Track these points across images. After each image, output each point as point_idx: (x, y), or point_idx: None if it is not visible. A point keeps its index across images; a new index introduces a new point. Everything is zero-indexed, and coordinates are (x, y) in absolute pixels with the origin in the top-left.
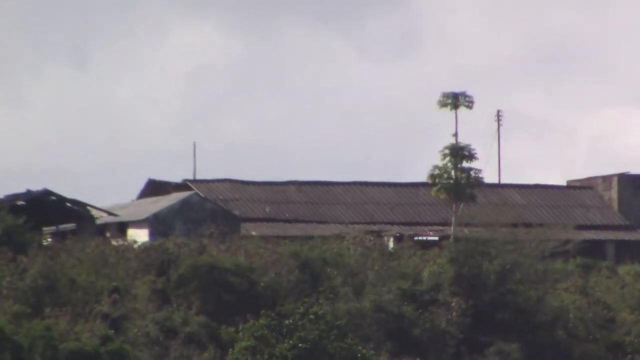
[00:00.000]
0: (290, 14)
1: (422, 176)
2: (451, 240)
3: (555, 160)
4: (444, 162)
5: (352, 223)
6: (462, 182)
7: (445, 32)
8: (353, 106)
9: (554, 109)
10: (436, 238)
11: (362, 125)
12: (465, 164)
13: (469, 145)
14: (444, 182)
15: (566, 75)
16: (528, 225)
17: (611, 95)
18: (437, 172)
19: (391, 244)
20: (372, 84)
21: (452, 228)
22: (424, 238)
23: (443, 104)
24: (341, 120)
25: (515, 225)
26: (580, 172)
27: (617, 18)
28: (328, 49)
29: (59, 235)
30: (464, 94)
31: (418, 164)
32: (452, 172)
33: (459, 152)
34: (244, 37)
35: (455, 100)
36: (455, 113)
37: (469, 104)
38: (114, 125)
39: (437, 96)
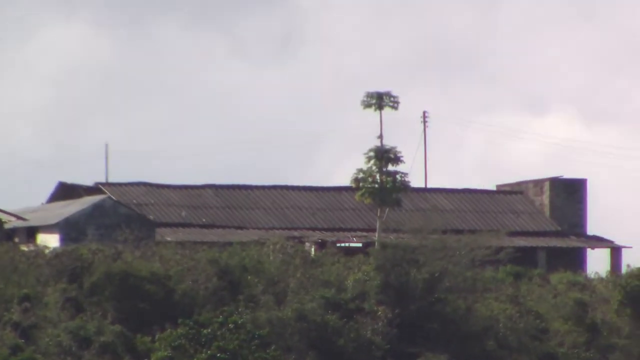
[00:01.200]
0: (164, 11)
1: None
2: (376, 246)
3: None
4: (369, 165)
5: (272, 229)
6: (388, 186)
7: (327, 33)
8: (233, 107)
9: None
10: (360, 244)
11: (243, 127)
12: (390, 167)
13: (394, 147)
14: (369, 186)
15: (455, 78)
16: (457, 231)
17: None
18: (361, 175)
19: (312, 251)
20: (248, 84)
21: (376, 234)
22: (347, 244)
23: (367, 104)
24: (223, 122)
25: (444, 231)
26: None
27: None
28: (202, 48)
29: None
30: (388, 94)
31: (308, 168)
32: (377, 176)
33: (384, 155)
34: (114, 35)
35: (379, 101)
36: (380, 114)
37: (394, 104)
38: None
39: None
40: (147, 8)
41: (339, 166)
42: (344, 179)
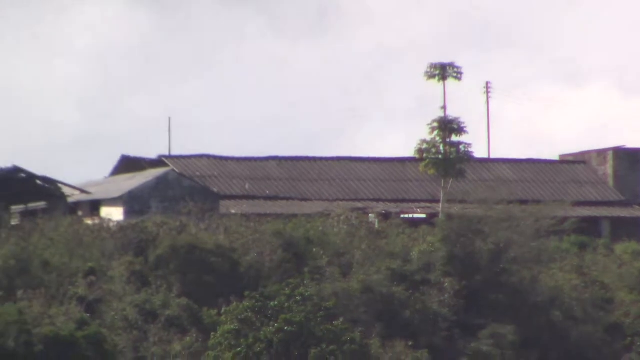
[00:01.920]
0: None
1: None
2: (441, 217)
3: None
4: (432, 136)
5: (336, 200)
6: (452, 156)
7: (366, 9)
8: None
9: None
10: (424, 215)
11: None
12: (454, 138)
13: (458, 118)
14: (433, 157)
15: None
16: (521, 201)
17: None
18: (425, 146)
19: (376, 222)
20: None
21: (440, 205)
22: (411, 215)
23: (430, 75)
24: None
25: (509, 202)
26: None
27: None
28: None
29: (28, 214)
30: (452, 65)
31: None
32: (441, 147)
33: (447, 126)
34: (152, 13)
35: (443, 72)
36: (444, 84)
37: (458, 75)
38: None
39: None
40: None
41: (381, 139)
42: (385, 152)
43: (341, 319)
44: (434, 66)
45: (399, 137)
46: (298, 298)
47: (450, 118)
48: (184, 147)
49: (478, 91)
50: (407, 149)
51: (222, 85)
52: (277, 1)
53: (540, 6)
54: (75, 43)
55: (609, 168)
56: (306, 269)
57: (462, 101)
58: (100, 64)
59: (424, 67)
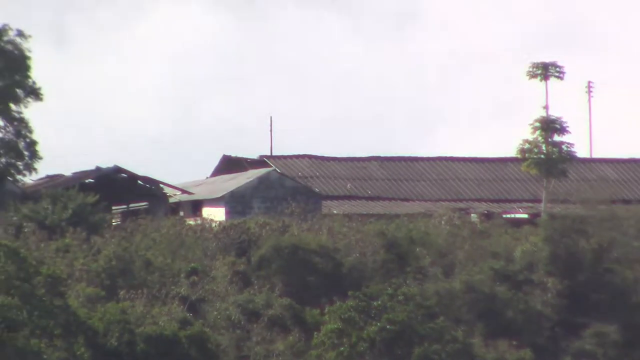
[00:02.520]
0: None
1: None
2: (543, 217)
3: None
4: (534, 135)
5: (438, 200)
6: (554, 156)
7: (445, 12)
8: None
9: None
10: (526, 215)
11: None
12: (556, 138)
13: (560, 118)
14: (535, 156)
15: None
16: (624, 201)
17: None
18: (527, 146)
19: (478, 222)
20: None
21: (542, 205)
22: (513, 215)
23: (532, 75)
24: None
25: (611, 201)
26: None
27: None
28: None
29: (130, 215)
30: (554, 64)
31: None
32: (543, 147)
33: (549, 125)
34: (232, 14)
35: (545, 71)
36: (546, 84)
37: (560, 75)
38: (181, 101)
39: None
40: None
41: (460, 140)
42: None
43: (441, 318)
44: (536, 65)
45: (484, 138)
46: (400, 297)
47: (552, 118)
48: (284, 147)
49: (578, 91)
50: (495, 149)
51: (311, 85)
52: (357, 3)
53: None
54: (166, 45)
55: None
56: (409, 269)
57: (563, 101)
58: (193, 64)
59: (501, 69)
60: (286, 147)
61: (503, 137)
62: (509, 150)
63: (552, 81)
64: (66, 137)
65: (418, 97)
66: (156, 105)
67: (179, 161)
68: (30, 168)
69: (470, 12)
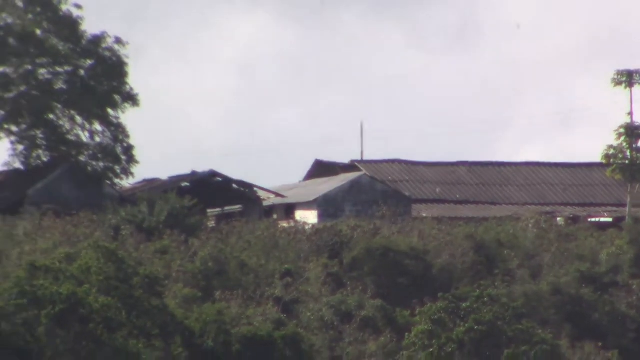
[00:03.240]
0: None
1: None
2: (627, 221)
3: None
4: (619, 141)
5: (525, 204)
6: (638, 162)
7: (504, 21)
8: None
9: None
10: (610, 219)
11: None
12: None
13: None
14: (619, 162)
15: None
16: None
17: None
18: (612, 152)
19: (564, 226)
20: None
21: (627, 209)
22: (598, 219)
23: (617, 82)
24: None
25: None
26: None
27: None
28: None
29: (225, 217)
30: (639, 72)
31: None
32: (628, 152)
33: (634, 132)
34: (296, 25)
35: (629, 78)
36: (630, 91)
37: None
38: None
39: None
40: None
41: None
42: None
43: (524, 320)
44: (620, 73)
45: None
46: (486, 299)
47: (637, 124)
48: (375, 153)
49: None
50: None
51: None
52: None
53: None
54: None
55: None
56: (497, 271)
57: None
58: (270, 72)
59: (575, 75)
60: (376, 152)
61: (588, 143)
62: (595, 156)
63: (637, 88)
64: (159, 143)
65: (495, 104)
66: (239, 113)
67: (272, 167)
68: (127, 172)
69: (537, 17)
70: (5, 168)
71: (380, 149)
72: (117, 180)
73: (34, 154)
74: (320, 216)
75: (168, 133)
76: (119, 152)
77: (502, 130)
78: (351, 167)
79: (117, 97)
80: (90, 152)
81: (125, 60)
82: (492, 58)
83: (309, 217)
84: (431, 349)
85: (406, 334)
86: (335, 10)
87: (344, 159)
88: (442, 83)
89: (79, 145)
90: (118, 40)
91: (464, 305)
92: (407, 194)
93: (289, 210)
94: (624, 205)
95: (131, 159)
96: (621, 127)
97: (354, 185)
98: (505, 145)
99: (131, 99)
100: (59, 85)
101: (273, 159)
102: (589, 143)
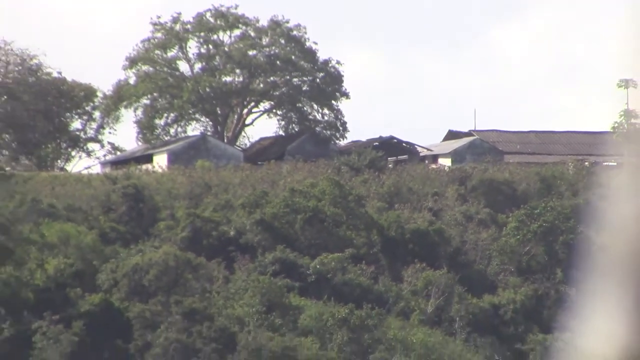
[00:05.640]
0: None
1: None
2: (625, 163)
3: None
4: (621, 119)
5: (567, 155)
6: (631, 132)
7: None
8: None
9: None
10: (615, 163)
11: None
12: None
13: None
14: (621, 130)
15: None
16: None
17: None
18: (616, 125)
19: None
20: None
21: (624, 158)
22: (608, 163)
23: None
24: None
25: None
26: None
27: None
28: None
29: (397, 162)
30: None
31: None
32: (625, 125)
33: (629, 114)
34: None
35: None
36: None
37: None
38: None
39: None
40: None
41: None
42: None
43: (572, 220)
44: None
45: None
46: (548, 208)
47: (631, 109)
48: (482, 124)
49: None
50: None
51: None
52: None
53: None
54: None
55: None
56: (553, 192)
57: None
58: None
59: None
60: (483, 124)
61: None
62: (607, 127)
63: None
64: (361, 120)
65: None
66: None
67: (425, 132)
68: (342, 136)
69: None
70: (274, 134)
71: (485, 122)
72: (337, 141)
73: (290, 127)
74: (452, 163)
75: (365, 115)
76: (338, 125)
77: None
78: (468, 134)
79: (337, 94)
80: (322, 125)
81: (342, 72)
82: None
83: (446, 162)
84: (518, 237)
85: (504, 228)
86: None
87: (464, 129)
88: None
89: (316, 122)
90: (338, 62)
91: (535, 211)
92: (500, 149)
93: (434, 158)
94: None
95: (345, 129)
96: (622, 111)
97: (471, 144)
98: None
99: (345, 95)
100: (305, 87)
101: (426, 129)
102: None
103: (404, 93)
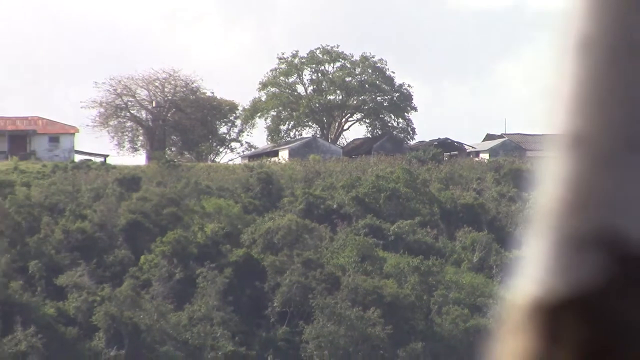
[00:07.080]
0: None
1: None
2: None
3: None
4: None
5: None
6: None
7: None
8: None
9: None
10: None
11: None
12: None
13: None
14: None
15: None
16: None
17: None
18: None
19: None
20: None
21: None
22: None
23: None
24: None
25: None
26: None
27: None
28: None
29: (450, 157)
30: None
31: None
32: None
33: None
34: None
35: None
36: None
37: None
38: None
39: None
40: None
41: None
42: None
43: None
44: None
45: None
46: None
47: None
48: (511, 128)
49: None
50: None
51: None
52: None
53: None
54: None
55: None
56: None
57: None
58: None
59: None
60: (512, 128)
61: None
62: None
63: None
64: (426, 127)
65: None
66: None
67: (469, 134)
68: (412, 138)
69: None
70: (364, 136)
71: (513, 127)
72: (408, 142)
73: (375, 131)
74: (489, 156)
75: (428, 122)
76: (409, 130)
77: None
78: (501, 136)
79: (408, 108)
80: (398, 130)
81: (412, 93)
82: None
83: (485, 156)
84: None
85: (526, 203)
86: None
87: (498, 132)
88: None
89: (393, 127)
90: (409, 85)
91: None
92: (523, 147)
93: (477, 154)
94: None
95: (414, 133)
96: None
97: (502, 144)
98: None
99: (414, 109)
100: (385, 103)
101: (471, 132)
102: None
103: (453, 108)
